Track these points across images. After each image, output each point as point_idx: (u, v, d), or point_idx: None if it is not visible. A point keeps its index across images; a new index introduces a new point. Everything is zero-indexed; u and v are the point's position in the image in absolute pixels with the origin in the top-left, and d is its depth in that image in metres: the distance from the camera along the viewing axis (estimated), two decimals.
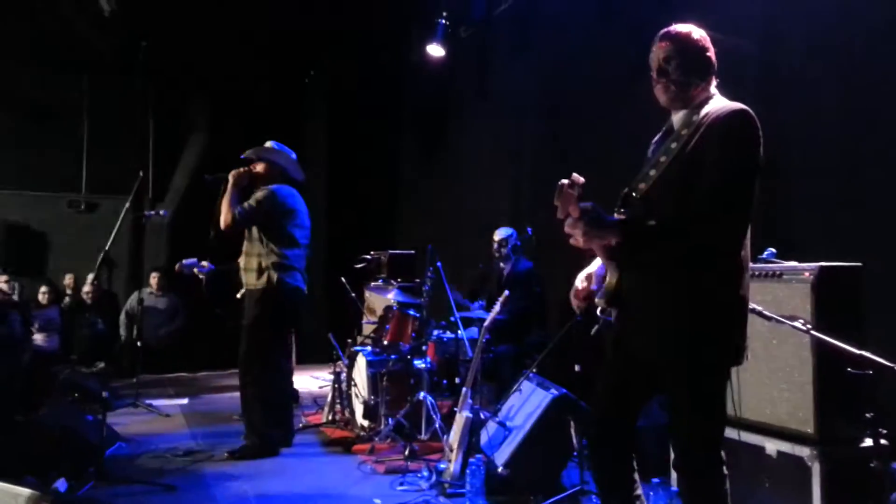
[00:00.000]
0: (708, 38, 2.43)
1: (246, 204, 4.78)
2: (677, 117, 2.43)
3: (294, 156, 5.11)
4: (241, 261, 4.96)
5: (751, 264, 2.40)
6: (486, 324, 4.56)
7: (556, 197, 2.19)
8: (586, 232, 2.19)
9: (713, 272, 2.23)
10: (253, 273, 4.83)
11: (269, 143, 5.08)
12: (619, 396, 2.47)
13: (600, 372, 2.55)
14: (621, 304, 2.40)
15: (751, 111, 2.28)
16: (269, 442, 4.80)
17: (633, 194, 2.37)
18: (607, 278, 2.41)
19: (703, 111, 2.33)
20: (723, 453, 2.28)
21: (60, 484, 3.82)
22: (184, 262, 5.96)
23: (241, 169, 4.88)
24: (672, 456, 2.39)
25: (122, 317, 8.70)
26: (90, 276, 8.61)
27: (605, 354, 2.52)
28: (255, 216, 4.78)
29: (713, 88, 2.42)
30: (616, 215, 2.35)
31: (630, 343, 2.41)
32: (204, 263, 5.98)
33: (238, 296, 6.34)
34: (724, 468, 2.28)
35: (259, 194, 4.82)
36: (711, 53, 2.43)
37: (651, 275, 2.30)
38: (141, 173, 5.14)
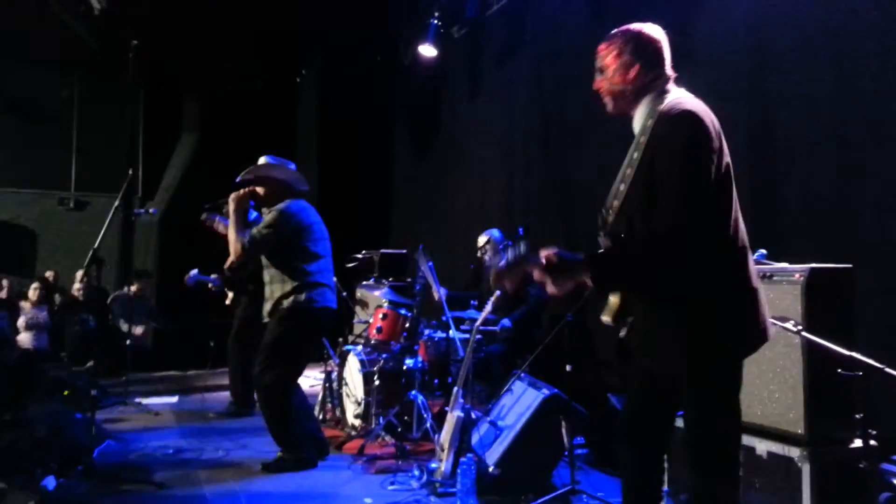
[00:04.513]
0: (654, 32, 2.39)
1: (256, 230, 4.47)
2: (636, 121, 2.36)
3: (293, 166, 4.81)
4: (266, 291, 4.64)
5: None
6: (477, 323, 4.56)
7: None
8: (554, 282, 2.19)
9: (697, 278, 2.16)
10: (280, 300, 4.51)
11: (263, 160, 4.74)
12: (645, 402, 2.43)
13: (628, 375, 2.49)
14: (627, 318, 2.36)
15: (694, 112, 2.18)
16: (305, 457, 4.55)
17: (609, 212, 2.32)
18: (610, 297, 2.39)
19: (658, 112, 2.26)
20: (740, 457, 2.26)
21: (49, 482, 3.81)
22: (190, 274, 6.37)
23: (242, 191, 4.55)
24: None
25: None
26: (79, 274, 8.59)
27: (626, 361, 2.46)
28: (269, 242, 4.46)
29: (670, 85, 2.35)
30: (600, 237, 2.34)
31: (640, 355, 2.38)
32: (214, 276, 6.38)
33: (227, 302, 6.43)
34: (740, 470, 2.25)
35: (269, 217, 4.50)
36: (658, 44, 2.37)
37: (642, 289, 2.27)
38: (130, 171, 5.11)
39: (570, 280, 2.20)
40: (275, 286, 4.58)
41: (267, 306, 4.62)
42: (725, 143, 2.25)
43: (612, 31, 2.40)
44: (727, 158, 2.23)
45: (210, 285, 6.39)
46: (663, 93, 2.31)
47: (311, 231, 4.60)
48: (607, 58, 2.38)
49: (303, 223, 4.55)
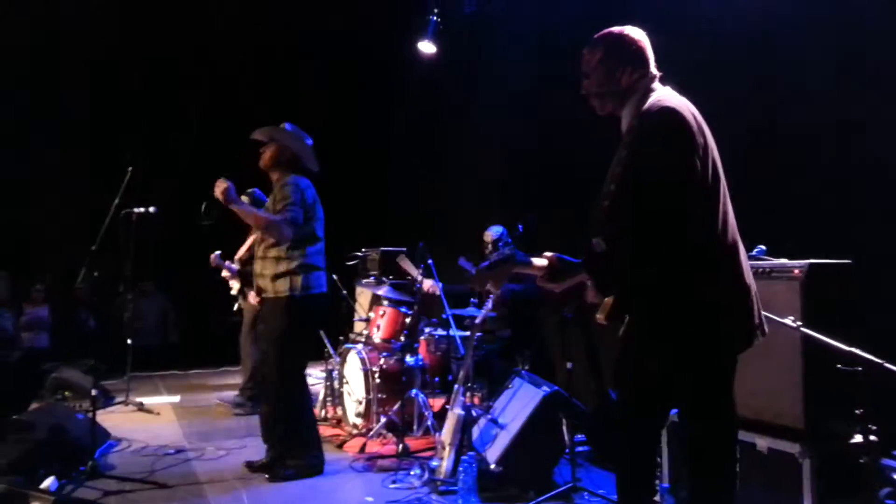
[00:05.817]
0: (636, 33, 2.41)
1: (282, 207, 4.26)
2: (623, 122, 2.39)
3: (310, 142, 4.61)
4: (257, 266, 4.43)
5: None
6: (476, 321, 4.56)
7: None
8: (553, 283, 2.28)
9: (686, 277, 2.17)
10: (271, 279, 4.31)
11: (283, 125, 4.58)
12: (639, 396, 2.44)
13: (622, 368, 2.50)
14: (621, 316, 2.37)
15: (674, 108, 2.19)
16: (313, 462, 4.39)
17: (601, 212, 2.33)
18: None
19: (641, 111, 2.28)
20: (737, 452, 2.28)
21: (51, 483, 3.81)
22: (217, 254, 6.35)
23: (222, 184, 4.12)
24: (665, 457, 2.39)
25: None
26: (80, 273, 8.58)
27: (622, 355, 2.48)
28: (300, 216, 4.28)
29: (655, 84, 2.37)
30: (595, 238, 2.35)
31: (636, 351, 2.40)
32: (229, 263, 6.35)
33: (234, 292, 6.43)
34: (738, 466, 2.26)
35: (286, 192, 4.31)
36: (640, 45, 2.39)
37: (633, 289, 2.28)
38: (130, 169, 5.09)
39: (569, 281, 2.26)
40: (266, 262, 4.36)
41: (257, 282, 4.44)
42: (712, 139, 2.25)
43: (595, 36, 2.44)
44: (714, 154, 2.24)
45: (226, 271, 6.37)
46: (648, 91, 2.34)
47: (315, 210, 4.47)
48: (592, 62, 2.41)
49: (308, 201, 4.41)
